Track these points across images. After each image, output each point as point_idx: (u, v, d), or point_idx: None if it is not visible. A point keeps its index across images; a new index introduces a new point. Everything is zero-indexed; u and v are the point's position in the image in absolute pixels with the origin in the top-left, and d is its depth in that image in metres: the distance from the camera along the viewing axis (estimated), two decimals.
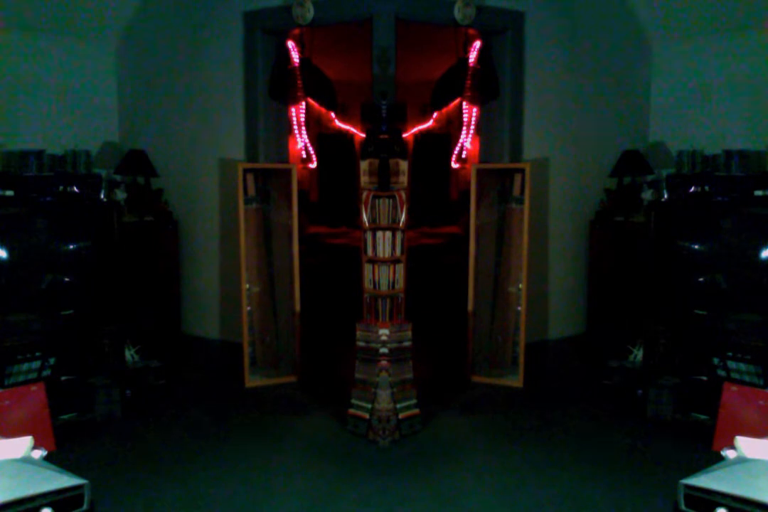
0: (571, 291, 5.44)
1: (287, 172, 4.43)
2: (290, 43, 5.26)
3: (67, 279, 3.76)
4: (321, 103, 5.94)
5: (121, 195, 4.53)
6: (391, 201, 3.58)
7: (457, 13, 4.60)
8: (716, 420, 3.43)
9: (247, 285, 4.38)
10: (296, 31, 5.25)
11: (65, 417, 3.66)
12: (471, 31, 5.31)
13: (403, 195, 3.61)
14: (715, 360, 3.65)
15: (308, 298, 4.56)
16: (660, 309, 3.96)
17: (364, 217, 3.60)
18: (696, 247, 3.80)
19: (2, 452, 2.40)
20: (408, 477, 3.15)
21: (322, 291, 5.45)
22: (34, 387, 3.45)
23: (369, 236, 3.61)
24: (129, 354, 4.14)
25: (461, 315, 4.55)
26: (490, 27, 5.01)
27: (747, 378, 3.51)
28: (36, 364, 3.59)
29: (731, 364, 3.58)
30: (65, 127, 5.04)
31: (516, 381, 4.42)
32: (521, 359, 4.42)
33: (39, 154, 3.87)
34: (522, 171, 4.37)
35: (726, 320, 3.65)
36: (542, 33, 5.00)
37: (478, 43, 5.29)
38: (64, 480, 2.28)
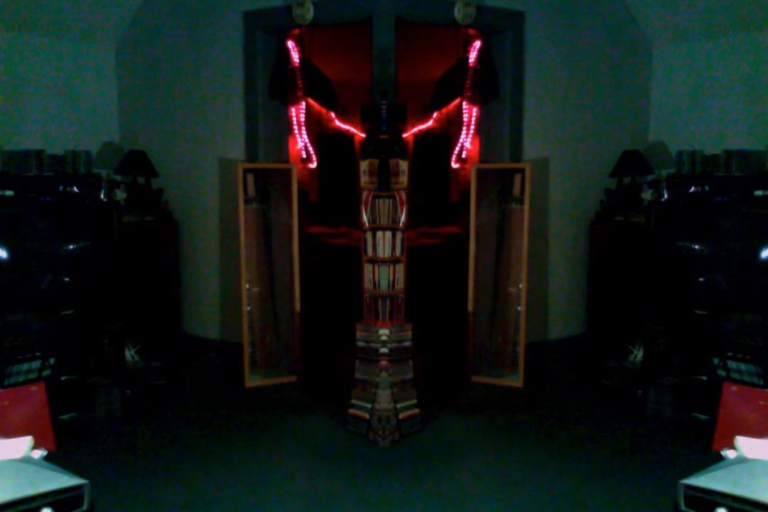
0: (571, 292, 5.44)
1: (287, 172, 4.43)
2: (290, 43, 5.26)
3: (67, 279, 3.75)
4: (321, 103, 5.94)
5: (121, 195, 4.53)
6: (391, 201, 3.58)
7: (457, 13, 4.60)
8: (716, 420, 3.43)
9: (247, 285, 4.38)
10: (296, 31, 5.25)
11: (65, 417, 3.66)
12: (471, 31, 5.31)
13: (403, 195, 3.60)
14: (715, 360, 3.64)
15: (308, 298, 4.56)
16: (660, 309, 3.96)
17: (364, 217, 3.60)
18: (696, 246, 3.80)
19: (2, 452, 2.40)
20: (408, 477, 3.15)
21: (322, 291, 5.45)
22: (34, 387, 3.45)
23: (369, 236, 3.61)
24: (129, 354, 4.14)
25: (461, 315, 4.55)
26: (490, 27, 5.00)
27: (747, 378, 3.51)
28: (36, 364, 3.59)
29: (731, 364, 3.58)
30: (65, 127, 5.05)
31: (516, 381, 4.42)
32: (521, 359, 4.42)
33: (39, 154, 3.86)
34: (522, 171, 4.37)
35: (726, 320, 3.64)
36: (542, 33, 5.00)
37: (478, 43, 5.29)
38: (64, 480, 2.28)
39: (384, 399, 3.57)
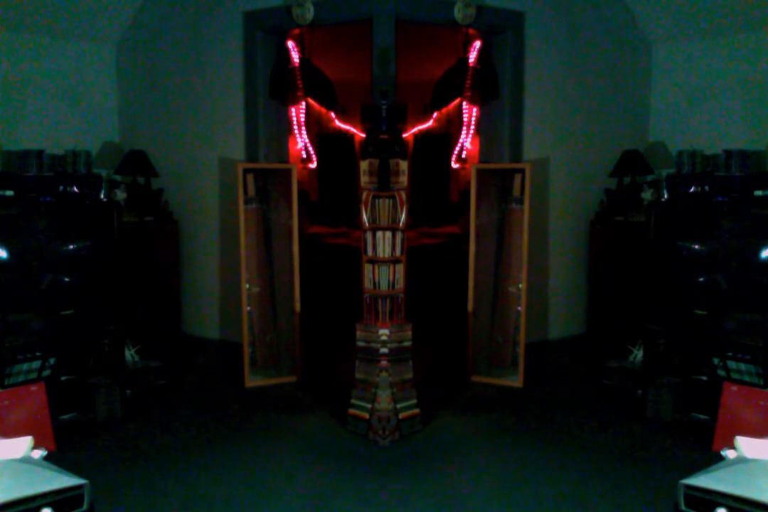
0: (571, 292, 5.44)
1: (287, 172, 4.43)
2: (290, 43, 5.27)
3: (67, 279, 3.76)
4: (321, 103, 5.96)
5: (121, 195, 4.54)
6: (391, 201, 3.58)
7: (457, 13, 4.60)
8: (716, 420, 3.43)
9: (247, 285, 4.38)
10: (296, 31, 5.26)
11: (65, 417, 3.66)
12: (471, 31, 5.32)
13: (403, 195, 3.60)
14: (715, 360, 3.64)
15: (308, 298, 4.56)
16: (660, 309, 3.96)
17: (364, 217, 3.60)
18: (696, 246, 3.80)
19: (2, 452, 2.40)
20: (408, 477, 3.15)
21: (322, 291, 5.45)
22: (34, 387, 3.45)
23: (369, 236, 3.61)
24: (129, 354, 4.14)
25: (461, 315, 4.55)
26: (490, 27, 5.01)
27: (747, 378, 3.51)
28: (36, 364, 3.59)
29: (731, 364, 3.58)
30: (65, 127, 5.06)
31: (516, 381, 4.42)
32: (521, 359, 4.42)
33: (39, 154, 3.86)
34: (522, 171, 4.37)
35: (726, 320, 3.64)
36: (542, 33, 5.00)
37: (478, 43, 5.29)
38: (64, 480, 2.28)
39: (384, 399, 3.57)
